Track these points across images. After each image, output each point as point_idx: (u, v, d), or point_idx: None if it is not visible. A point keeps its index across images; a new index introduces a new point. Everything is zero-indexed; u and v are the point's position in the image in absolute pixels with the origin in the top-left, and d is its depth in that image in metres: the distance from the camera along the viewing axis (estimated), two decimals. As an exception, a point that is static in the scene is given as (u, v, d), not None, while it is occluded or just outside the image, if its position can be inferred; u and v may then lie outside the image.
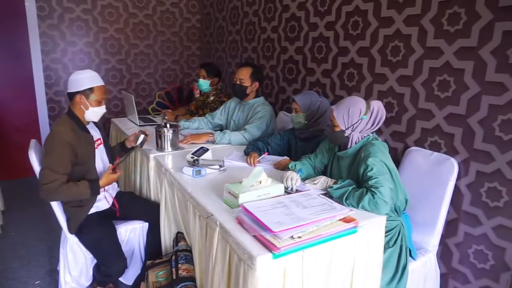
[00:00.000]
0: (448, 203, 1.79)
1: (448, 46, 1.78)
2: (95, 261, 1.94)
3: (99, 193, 1.83)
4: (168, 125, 2.19)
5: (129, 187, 2.59)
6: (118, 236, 1.96)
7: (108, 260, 1.83)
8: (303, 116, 2.03)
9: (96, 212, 1.91)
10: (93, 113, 1.84)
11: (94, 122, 1.98)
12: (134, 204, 2.09)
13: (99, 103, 1.84)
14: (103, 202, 1.95)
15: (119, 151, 2.14)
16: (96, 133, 1.95)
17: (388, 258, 1.57)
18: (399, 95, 2.06)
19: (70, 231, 1.84)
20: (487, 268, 1.73)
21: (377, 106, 1.62)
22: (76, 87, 1.79)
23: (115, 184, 2.09)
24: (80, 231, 1.84)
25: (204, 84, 3.02)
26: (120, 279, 2.02)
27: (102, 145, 1.98)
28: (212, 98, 3.07)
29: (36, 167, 1.78)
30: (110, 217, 1.99)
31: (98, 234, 1.84)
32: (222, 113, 2.75)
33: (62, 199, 1.80)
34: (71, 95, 1.81)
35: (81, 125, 1.85)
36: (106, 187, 1.95)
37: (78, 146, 1.76)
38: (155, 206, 2.04)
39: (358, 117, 1.60)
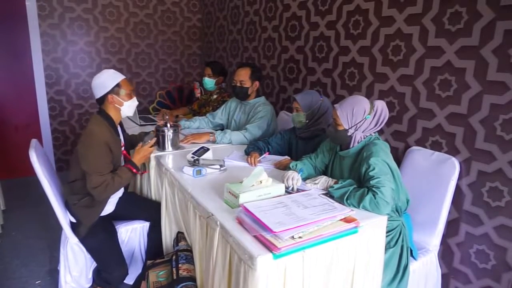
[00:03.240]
0: (449, 202, 1.78)
1: (449, 45, 1.78)
2: (95, 263, 1.94)
3: (139, 170, 1.88)
4: (168, 125, 2.19)
5: (130, 187, 2.58)
6: (119, 236, 1.96)
7: (109, 266, 1.83)
8: (304, 115, 2.02)
9: (101, 217, 1.90)
10: (128, 107, 1.87)
11: (121, 126, 2.00)
12: (135, 204, 2.08)
13: (130, 96, 1.86)
14: (109, 206, 1.94)
15: (143, 138, 2.19)
16: (122, 138, 1.96)
17: (389, 258, 1.57)
18: (400, 95, 2.05)
19: (79, 234, 1.82)
20: (488, 268, 1.73)
21: (381, 106, 1.61)
22: (103, 89, 1.79)
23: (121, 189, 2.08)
24: (85, 235, 1.83)
25: (209, 82, 3.01)
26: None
27: (123, 147, 1.99)
28: (215, 96, 3.07)
29: (37, 167, 1.78)
30: (112, 220, 1.99)
31: (101, 239, 1.83)
32: (223, 113, 2.74)
33: (114, 193, 1.83)
34: (102, 99, 1.82)
35: (114, 127, 1.86)
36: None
37: (113, 147, 1.78)
38: (157, 205, 2.03)
39: (362, 117, 1.59)
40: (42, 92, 3.79)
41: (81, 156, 1.72)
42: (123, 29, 4.02)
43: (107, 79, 1.80)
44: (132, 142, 2.20)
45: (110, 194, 1.80)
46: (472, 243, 1.79)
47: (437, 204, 1.79)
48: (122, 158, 1.93)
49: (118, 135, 1.88)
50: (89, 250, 1.87)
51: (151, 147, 1.92)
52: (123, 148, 1.95)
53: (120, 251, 1.90)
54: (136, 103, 1.92)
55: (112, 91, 1.80)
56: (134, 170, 1.83)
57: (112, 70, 1.85)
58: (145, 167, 2.19)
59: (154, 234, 2.03)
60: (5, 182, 3.43)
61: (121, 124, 2.01)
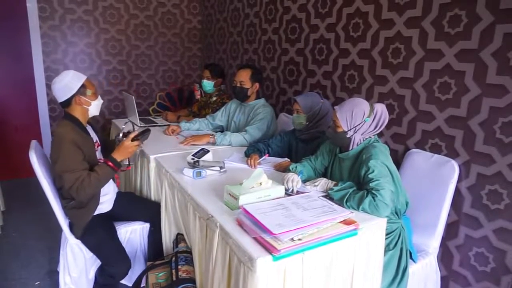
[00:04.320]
0: (448, 205, 1.78)
1: (448, 48, 1.78)
2: (95, 264, 1.93)
3: (118, 165, 1.82)
4: (126, 132, 1.99)
5: (129, 188, 2.58)
6: (119, 236, 1.95)
7: (112, 260, 1.81)
8: (304, 117, 2.03)
9: (98, 215, 1.90)
10: (95, 106, 1.86)
11: (92, 126, 1.99)
12: (134, 205, 2.08)
13: (95, 96, 1.85)
14: (105, 205, 1.94)
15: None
16: (94, 136, 1.95)
17: (389, 261, 1.57)
18: (399, 97, 2.06)
19: (75, 236, 1.83)
20: (487, 271, 1.73)
21: (381, 109, 1.62)
22: (68, 91, 1.77)
23: (115, 187, 2.08)
24: (82, 234, 1.83)
25: (208, 85, 3.01)
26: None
27: (99, 147, 1.99)
28: (214, 98, 3.07)
29: (37, 168, 1.78)
30: (110, 219, 1.99)
31: (100, 235, 1.83)
32: (223, 114, 2.75)
33: (94, 191, 1.78)
34: (67, 102, 1.79)
35: (82, 127, 1.85)
36: (107, 190, 1.95)
37: (83, 146, 1.76)
38: (156, 206, 2.03)
39: (361, 119, 1.59)
40: (42, 93, 3.79)
41: (53, 160, 1.72)
42: (123, 31, 4.03)
43: (71, 81, 1.77)
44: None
45: (90, 192, 1.74)
46: (471, 245, 1.79)
47: (437, 207, 1.79)
48: (98, 157, 1.90)
49: (89, 134, 1.87)
50: (90, 248, 1.86)
51: (133, 140, 1.82)
52: (98, 148, 1.94)
53: (120, 245, 1.88)
54: (101, 101, 1.91)
55: (78, 92, 1.78)
56: (110, 164, 1.76)
57: (73, 71, 1.82)
58: (129, 162, 2.10)
59: (154, 235, 2.03)
60: (5, 183, 3.43)
61: (92, 124, 2.00)
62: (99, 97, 1.89)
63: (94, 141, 1.92)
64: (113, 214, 2.00)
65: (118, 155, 1.81)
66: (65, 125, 1.78)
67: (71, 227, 1.85)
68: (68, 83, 1.77)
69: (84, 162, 1.75)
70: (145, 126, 1.88)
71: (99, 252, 1.85)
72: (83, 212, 1.82)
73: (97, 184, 1.75)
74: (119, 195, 2.09)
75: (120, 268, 1.82)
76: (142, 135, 1.88)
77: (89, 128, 1.95)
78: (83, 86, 1.79)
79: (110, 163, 1.77)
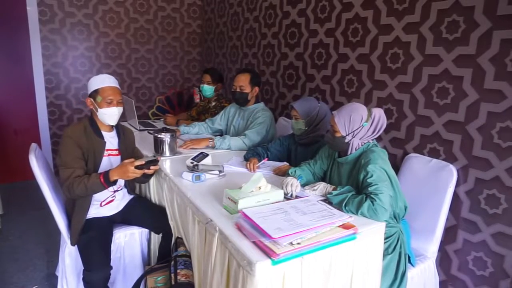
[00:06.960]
0: (447, 210, 1.79)
1: (447, 54, 1.80)
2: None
3: (112, 183, 1.74)
4: (165, 130, 2.19)
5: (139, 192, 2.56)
6: (117, 240, 1.95)
7: (93, 264, 1.74)
8: (303, 122, 2.03)
9: (97, 217, 1.90)
10: (103, 114, 1.83)
11: (119, 132, 1.97)
12: (147, 212, 2.04)
13: (108, 104, 1.81)
14: (104, 209, 1.93)
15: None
16: (113, 144, 1.92)
17: (387, 265, 1.57)
18: (398, 102, 2.07)
19: (71, 243, 1.82)
20: (486, 275, 1.73)
21: (379, 113, 1.62)
22: (88, 91, 1.85)
23: (125, 193, 2.05)
24: (78, 238, 1.81)
25: (209, 89, 3.03)
26: (118, 285, 2.01)
27: (117, 157, 1.93)
28: (213, 103, 3.08)
29: (37, 171, 1.78)
30: (111, 223, 1.98)
31: (91, 236, 1.79)
32: (222, 118, 2.75)
33: (83, 193, 1.74)
34: None
35: (96, 129, 1.86)
36: (111, 194, 1.94)
37: (83, 143, 1.78)
38: (164, 212, 1.99)
39: (359, 124, 1.60)
40: (41, 96, 3.79)
41: (57, 154, 1.80)
42: (123, 35, 4.04)
43: (92, 83, 1.85)
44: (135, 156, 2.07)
45: (78, 193, 1.72)
46: (469, 250, 1.79)
47: (435, 211, 1.79)
48: (103, 162, 1.87)
49: (101, 138, 1.86)
50: (79, 248, 1.82)
51: (137, 167, 1.71)
52: (115, 153, 1.93)
53: (108, 252, 1.83)
54: (115, 112, 1.84)
55: (90, 95, 1.84)
56: (101, 178, 1.71)
57: (104, 76, 1.86)
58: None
59: (165, 242, 2.00)
60: (4, 186, 3.43)
61: (121, 130, 1.99)
62: (113, 108, 1.82)
63: (111, 148, 1.90)
64: (123, 217, 2.00)
65: (115, 174, 1.73)
66: (77, 124, 1.86)
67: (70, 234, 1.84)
68: (90, 83, 1.86)
69: (80, 160, 1.76)
70: (154, 157, 1.82)
71: (85, 254, 1.78)
72: (74, 219, 1.83)
73: (82, 189, 1.71)
74: (135, 199, 2.09)
75: (98, 275, 1.72)
76: (147, 165, 1.74)
77: (113, 135, 1.94)
78: (95, 91, 1.82)
79: (101, 178, 1.71)
